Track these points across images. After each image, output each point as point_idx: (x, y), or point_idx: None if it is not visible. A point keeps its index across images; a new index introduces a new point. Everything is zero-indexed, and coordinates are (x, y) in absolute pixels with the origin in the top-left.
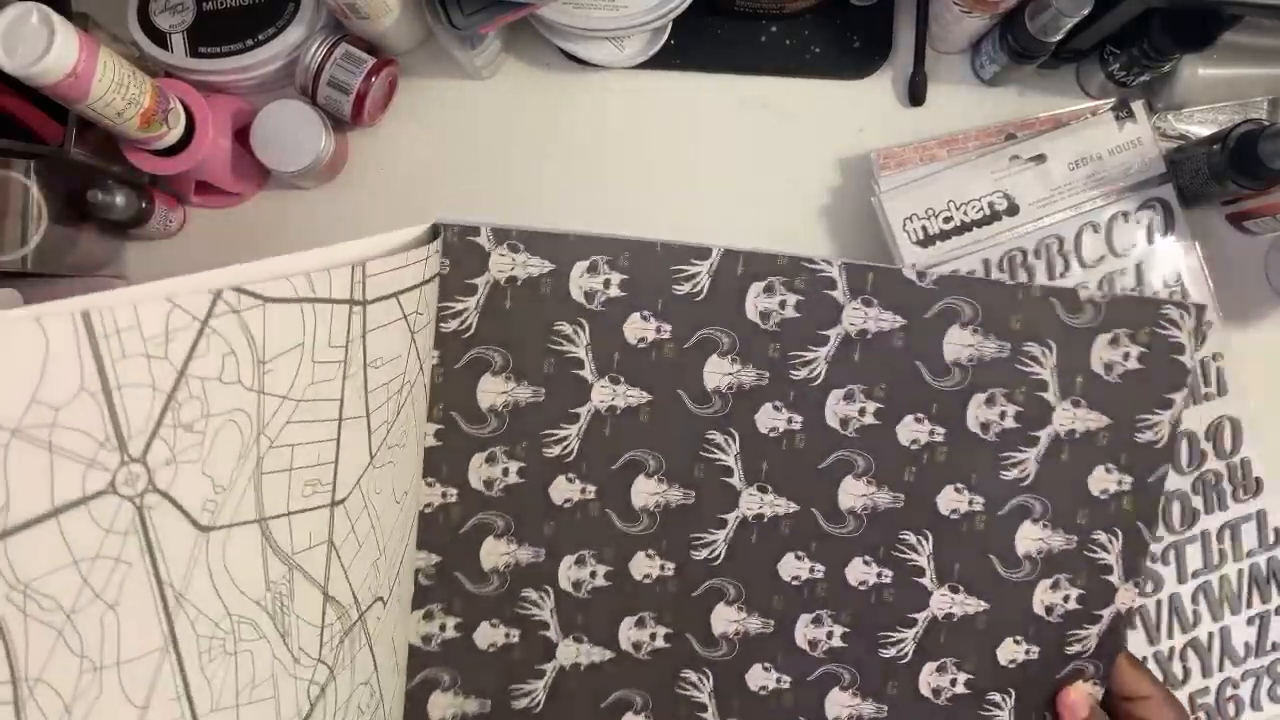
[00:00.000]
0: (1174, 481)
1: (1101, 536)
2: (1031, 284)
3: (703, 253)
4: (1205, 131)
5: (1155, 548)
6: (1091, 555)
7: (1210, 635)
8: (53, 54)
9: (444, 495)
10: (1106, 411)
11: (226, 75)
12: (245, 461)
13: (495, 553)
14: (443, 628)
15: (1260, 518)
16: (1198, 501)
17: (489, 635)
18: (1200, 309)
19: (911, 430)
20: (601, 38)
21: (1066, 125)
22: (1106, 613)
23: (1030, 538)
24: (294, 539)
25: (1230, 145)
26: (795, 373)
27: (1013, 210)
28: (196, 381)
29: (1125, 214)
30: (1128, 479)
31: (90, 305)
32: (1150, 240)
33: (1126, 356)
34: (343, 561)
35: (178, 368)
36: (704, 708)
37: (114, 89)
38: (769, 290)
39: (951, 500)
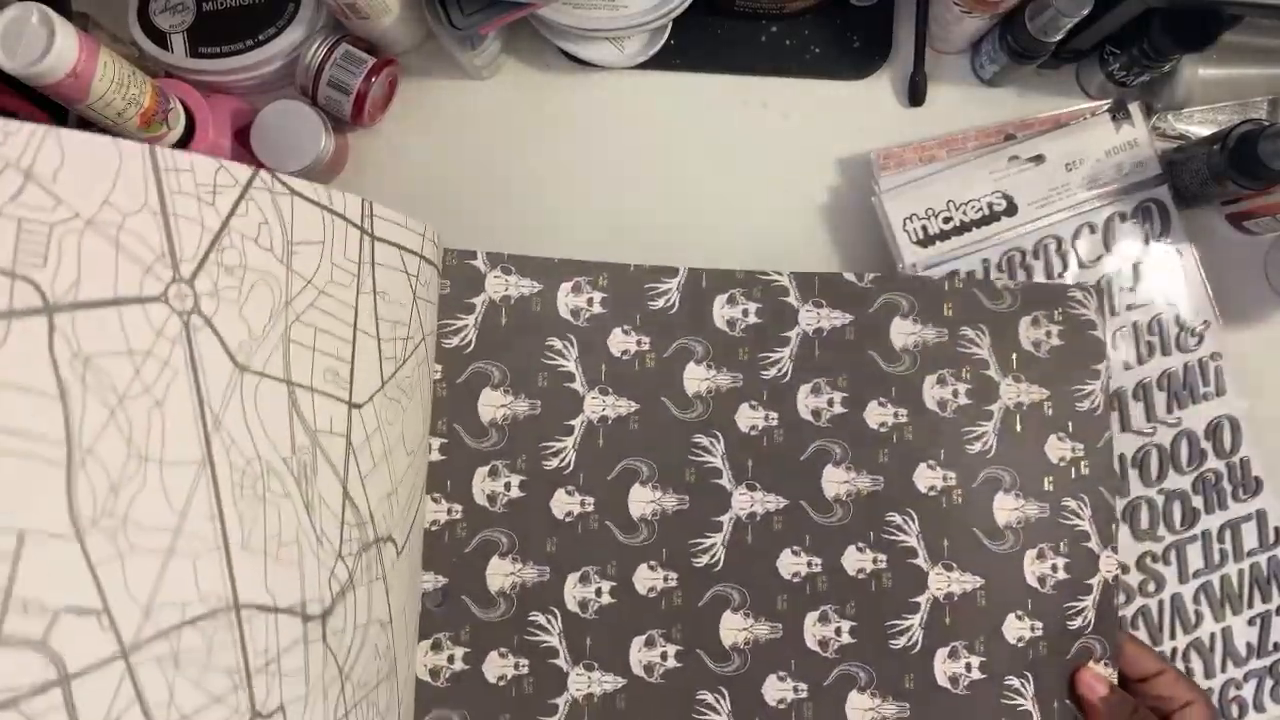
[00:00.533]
0: (1174, 481)
1: (1071, 503)
2: (955, 278)
3: (670, 272)
4: (1205, 131)
5: (1156, 547)
6: (1066, 522)
7: (1212, 636)
8: (53, 54)
9: (449, 512)
10: (1044, 384)
11: (226, 75)
12: (276, 322)
13: (501, 573)
14: (451, 659)
15: (1260, 517)
16: (1198, 501)
17: (498, 667)
18: (1099, 290)
19: (878, 414)
20: (601, 38)
21: (1065, 126)
22: (1095, 582)
23: (1006, 508)
24: (316, 416)
25: (1230, 145)
26: (765, 372)
27: (1011, 210)
28: (237, 235)
29: (1122, 215)
30: (1079, 445)
31: (153, 148)
32: (1146, 241)
33: (1049, 335)
34: (360, 470)
35: (223, 216)
36: None
37: (114, 89)
38: (731, 301)
39: (927, 477)
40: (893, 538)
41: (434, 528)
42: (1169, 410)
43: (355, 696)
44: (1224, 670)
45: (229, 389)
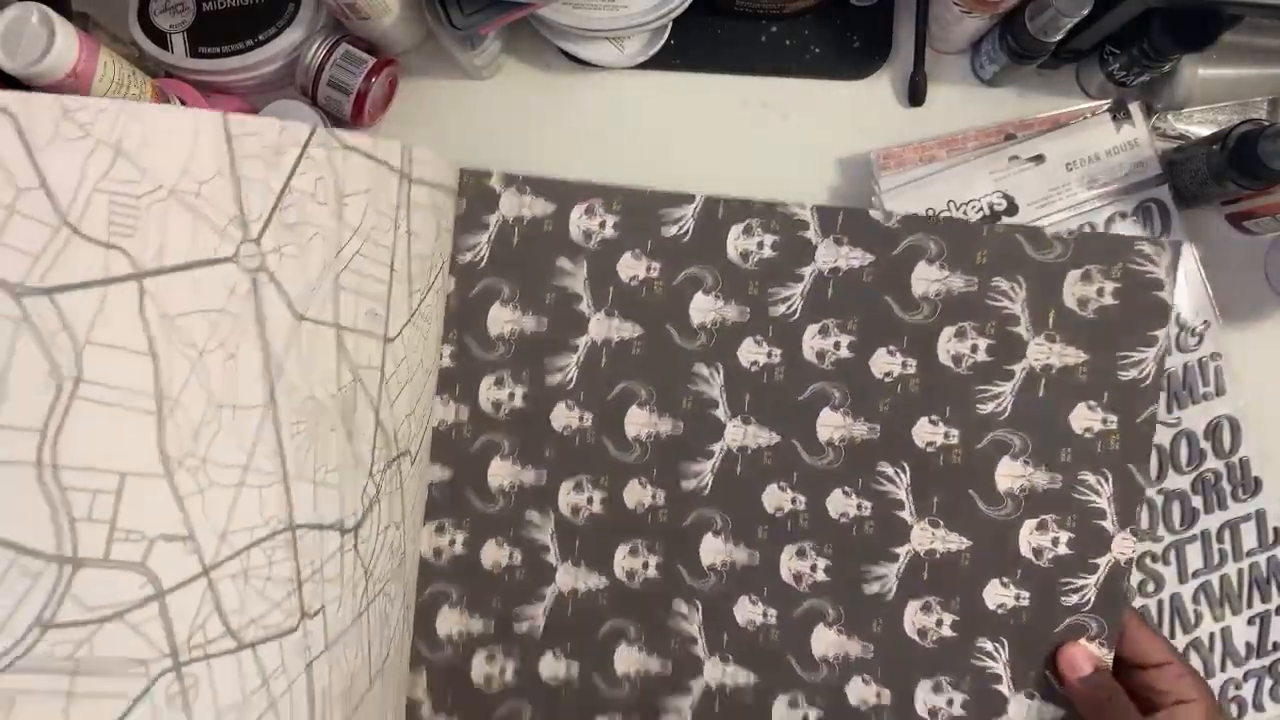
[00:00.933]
0: (1173, 481)
1: (1089, 478)
2: (996, 223)
3: (687, 199)
4: (1205, 131)
5: (1155, 547)
6: (1080, 497)
7: (1212, 635)
8: (53, 54)
9: (457, 413)
10: (1084, 348)
11: (226, 75)
12: (328, 271)
13: (501, 473)
14: (452, 542)
15: (1259, 517)
16: (1197, 501)
17: (494, 554)
18: (1176, 245)
19: (884, 362)
20: (601, 38)
21: (1065, 126)
22: (1103, 562)
23: (1010, 474)
24: (358, 354)
25: (1230, 145)
26: (774, 309)
27: (1012, 210)
28: (297, 193)
29: (1122, 214)
30: (1113, 418)
31: (225, 115)
32: None
33: (1101, 292)
34: (390, 397)
35: (285, 176)
36: (694, 640)
37: (114, 89)
38: (748, 232)
39: (926, 432)
40: (881, 488)
41: (442, 427)
42: (1169, 410)
43: (374, 590)
44: (1223, 670)
45: (289, 338)
